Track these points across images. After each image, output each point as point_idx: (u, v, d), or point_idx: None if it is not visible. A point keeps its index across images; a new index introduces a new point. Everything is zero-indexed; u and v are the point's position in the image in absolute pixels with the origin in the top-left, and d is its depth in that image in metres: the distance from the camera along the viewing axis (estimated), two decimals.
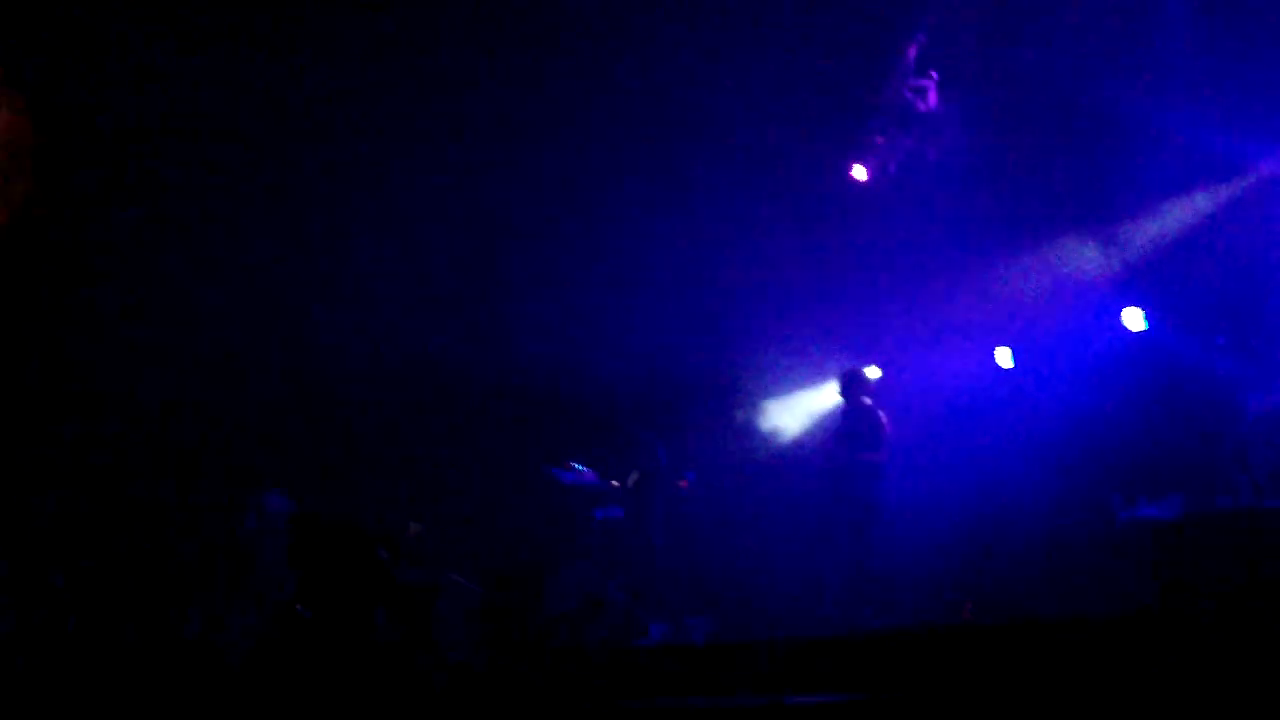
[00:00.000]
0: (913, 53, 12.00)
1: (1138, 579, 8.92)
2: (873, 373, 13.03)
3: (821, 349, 13.25)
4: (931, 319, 12.69)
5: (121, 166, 11.62)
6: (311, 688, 5.84)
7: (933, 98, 12.00)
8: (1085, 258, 11.48)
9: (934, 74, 11.98)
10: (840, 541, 10.61)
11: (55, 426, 11.26)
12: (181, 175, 11.78)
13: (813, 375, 13.38)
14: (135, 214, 11.69)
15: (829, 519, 10.78)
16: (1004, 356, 12.15)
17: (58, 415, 11.33)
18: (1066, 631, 5.85)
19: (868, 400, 11.02)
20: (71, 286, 11.63)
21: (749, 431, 13.32)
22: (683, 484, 11.58)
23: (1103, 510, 10.20)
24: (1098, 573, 9.59)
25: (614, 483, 11.25)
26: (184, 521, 10.84)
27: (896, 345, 13.13)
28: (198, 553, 10.26)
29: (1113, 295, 11.23)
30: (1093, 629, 5.66)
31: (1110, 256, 11.35)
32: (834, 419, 11.29)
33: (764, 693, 5.58)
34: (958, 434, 12.12)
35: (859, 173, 12.70)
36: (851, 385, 11.10)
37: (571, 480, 11.28)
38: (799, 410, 13.39)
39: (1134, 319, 11.06)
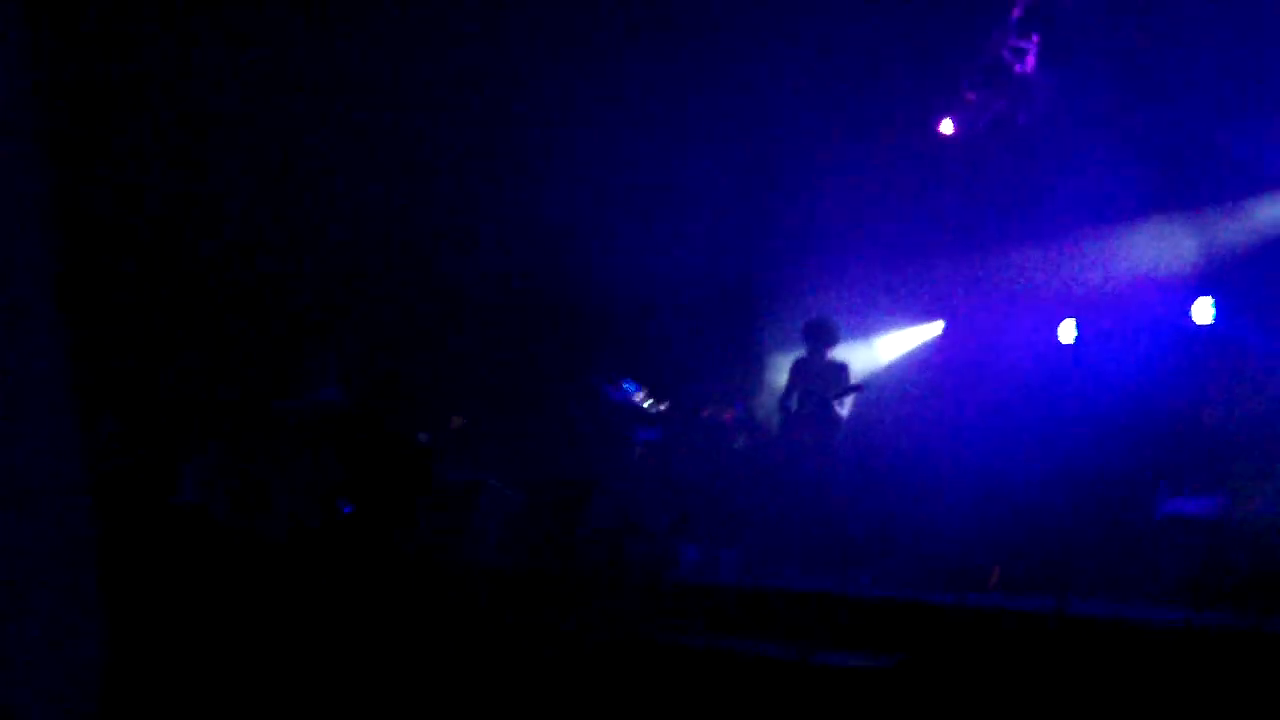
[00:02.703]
0: (1017, 13, 11.78)
1: (1170, 572, 8.89)
2: (933, 328, 13.01)
3: (889, 298, 13.20)
4: (1001, 283, 12.59)
5: None
6: (344, 582, 5.92)
7: (1031, 61, 11.80)
8: (1167, 244, 11.33)
9: (1035, 36, 11.78)
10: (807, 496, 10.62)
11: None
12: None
13: (878, 324, 13.34)
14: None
15: (798, 473, 10.75)
16: (1067, 331, 12.05)
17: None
18: (1089, 621, 5.86)
19: (832, 351, 10.97)
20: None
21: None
22: (728, 415, 11.58)
23: (1146, 498, 10.14)
24: (1130, 559, 9.56)
25: (659, 405, 11.28)
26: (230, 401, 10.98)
27: (961, 304, 13.06)
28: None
29: (1188, 285, 11.10)
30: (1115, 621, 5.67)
31: (1194, 245, 11.20)
32: (798, 370, 11.13)
33: (790, 645, 5.61)
34: (1010, 402, 12.06)
35: (946, 126, 12.54)
36: (818, 335, 10.96)
37: (618, 397, 11.28)
38: (859, 356, 13.37)
39: (1203, 311, 10.93)
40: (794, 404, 10.83)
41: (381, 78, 11.90)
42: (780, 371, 11.57)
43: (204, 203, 11.86)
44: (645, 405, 11.23)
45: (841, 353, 11.27)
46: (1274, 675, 4.88)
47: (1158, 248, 11.36)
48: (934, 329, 13.46)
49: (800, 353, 11.11)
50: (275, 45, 11.41)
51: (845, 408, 10.80)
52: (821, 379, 10.83)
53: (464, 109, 12.40)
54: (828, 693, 5.04)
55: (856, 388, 10.88)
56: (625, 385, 11.24)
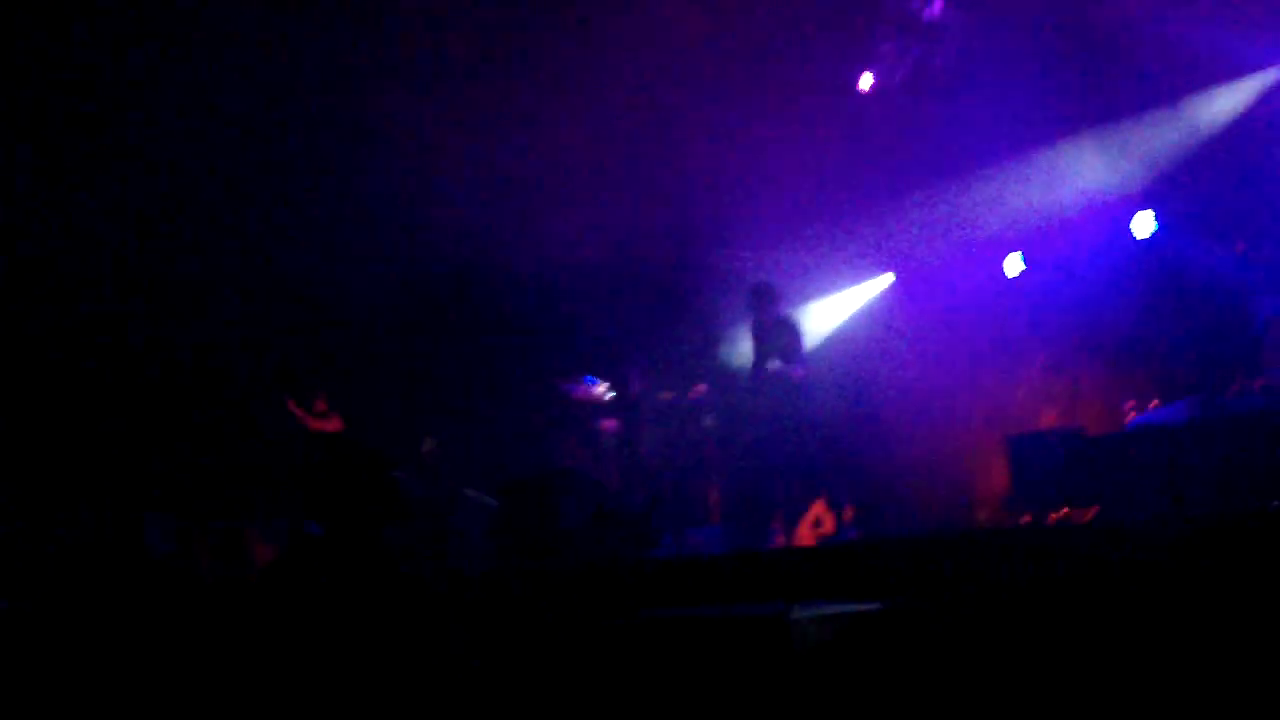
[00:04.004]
0: None
1: (1147, 484, 8.94)
2: (883, 281, 13.04)
3: (836, 257, 13.25)
4: (946, 227, 12.66)
5: None
6: (323, 606, 5.89)
7: (938, 4, 11.85)
8: (1097, 163, 11.41)
9: None
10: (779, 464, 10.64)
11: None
12: None
13: (828, 284, 13.40)
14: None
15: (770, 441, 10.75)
16: (1013, 264, 12.13)
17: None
18: (1078, 536, 5.87)
19: (778, 311, 10.97)
20: None
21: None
22: (692, 395, 11.57)
23: (1113, 415, 10.21)
24: (1107, 478, 9.62)
25: (620, 395, 11.32)
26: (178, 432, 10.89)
27: (909, 253, 13.13)
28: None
29: (1125, 201, 11.18)
30: (1105, 533, 5.68)
31: (1123, 162, 11.27)
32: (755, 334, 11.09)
33: (767, 602, 5.61)
34: (968, 341, 12.14)
35: (865, 81, 12.59)
36: (760, 298, 10.98)
37: (579, 393, 11.33)
38: (812, 318, 13.43)
39: (1144, 224, 11.01)
40: (770, 365, 10.83)
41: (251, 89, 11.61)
42: (735, 344, 11.59)
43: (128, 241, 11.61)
44: (607, 397, 11.27)
45: (792, 313, 11.32)
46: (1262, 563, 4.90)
47: (1094, 166, 11.44)
48: (884, 281, 13.55)
49: (752, 318, 11.14)
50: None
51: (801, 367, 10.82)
52: (772, 339, 10.86)
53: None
54: (811, 644, 5.04)
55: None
56: (585, 379, 11.28)
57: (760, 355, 10.90)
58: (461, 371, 12.78)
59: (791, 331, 10.90)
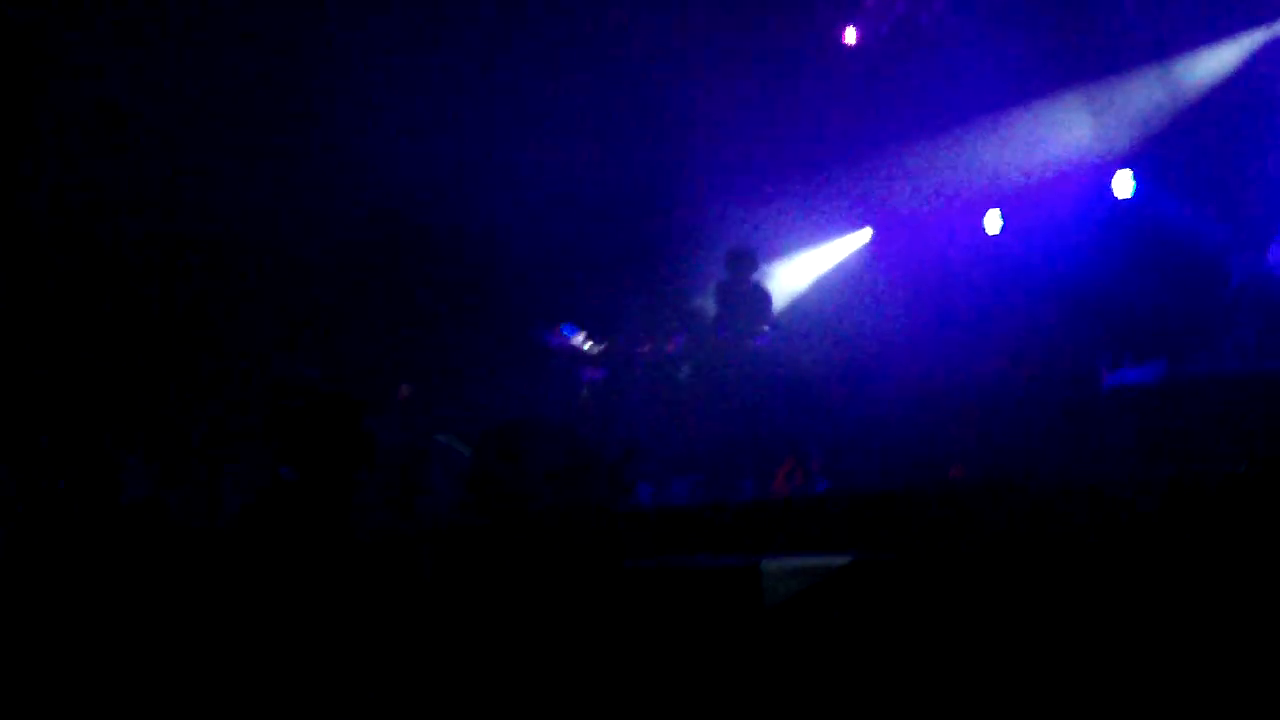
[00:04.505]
0: None
1: (1123, 442, 8.99)
2: (861, 236, 13.06)
3: (815, 212, 13.23)
4: (925, 183, 12.65)
5: None
6: (296, 552, 5.88)
7: None
8: (1079, 122, 11.39)
9: None
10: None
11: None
12: None
13: (806, 238, 13.38)
14: None
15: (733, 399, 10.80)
16: (992, 221, 12.12)
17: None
18: (1056, 492, 5.90)
19: (754, 277, 11.06)
20: None
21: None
22: (669, 348, 11.55)
23: (1089, 375, 10.23)
24: (1083, 437, 9.67)
25: (599, 346, 11.30)
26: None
27: (887, 208, 13.11)
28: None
29: (1105, 160, 11.16)
30: (1076, 490, 5.70)
31: (1106, 121, 11.25)
32: (721, 296, 11.19)
33: (744, 554, 5.62)
34: (946, 298, 12.15)
35: (849, 35, 12.54)
36: (738, 263, 11.03)
37: (556, 343, 11.31)
38: (788, 273, 13.43)
39: (1123, 184, 11.00)
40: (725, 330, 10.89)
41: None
42: (709, 296, 11.59)
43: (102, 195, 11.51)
44: (585, 347, 11.25)
45: (771, 273, 11.36)
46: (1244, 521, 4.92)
47: (1076, 125, 11.42)
48: (862, 237, 13.53)
49: (723, 279, 11.15)
50: None
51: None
52: (745, 305, 10.89)
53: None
54: (781, 595, 5.06)
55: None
56: (563, 329, 11.26)
57: (728, 319, 10.92)
58: (439, 319, 12.76)
59: (764, 299, 10.92)
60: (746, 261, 11.03)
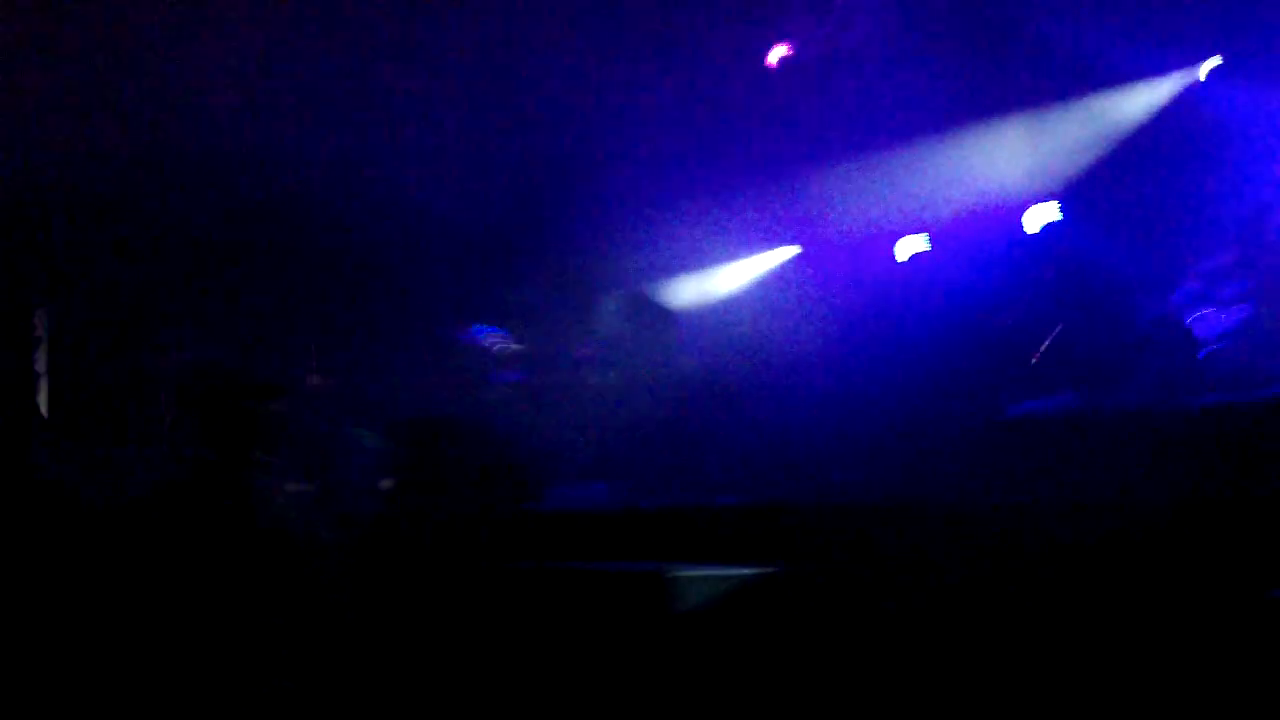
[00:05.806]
0: None
1: (1023, 474, 9.11)
2: (785, 253, 13.13)
3: (736, 226, 13.29)
4: (851, 206, 12.76)
5: None
6: (207, 537, 5.84)
7: None
8: (1001, 153, 11.56)
9: None
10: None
11: None
12: None
13: (723, 253, 13.45)
14: None
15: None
16: (904, 248, 12.26)
17: None
18: (949, 513, 6.01)
19: (655, 322, 10.49)
20: None
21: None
22: (583, 352, 11.57)
23: (993, 406, 10.37)
24: (984, 466, 9.78)
25: (513, 346, 11.29)
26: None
27: (815, 229, 13.21)
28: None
29: (1023, 193, 11.34)
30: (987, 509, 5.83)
31: (1031, 153, 11.43)
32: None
33: (651, 560, 5.67)
34: (861, 320, 12.27)
35: (774, 56, 12.64)
36: (638, 312, 10.53)
37: (467, 341, 11.29)
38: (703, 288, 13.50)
39: (1034, 218, 11.18)
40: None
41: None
42: (617, 303, 11.53)
43: None
44: (497, 348, 11.23)
45: (690, 282, 11.35)
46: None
47: (998, 155, 11.58)
48: (788, 253, 13.62)
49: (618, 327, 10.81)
50: None
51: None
52: (646, 345, 10.50)
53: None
54: (690, 604, 5.11)
55: None
56: (474, 329, 11.24)
57: (632, 355, 10.71)
58: (354, 310, 12.67)
59: (668, 335, 10.67)
60: (645, 308, 10.52)
